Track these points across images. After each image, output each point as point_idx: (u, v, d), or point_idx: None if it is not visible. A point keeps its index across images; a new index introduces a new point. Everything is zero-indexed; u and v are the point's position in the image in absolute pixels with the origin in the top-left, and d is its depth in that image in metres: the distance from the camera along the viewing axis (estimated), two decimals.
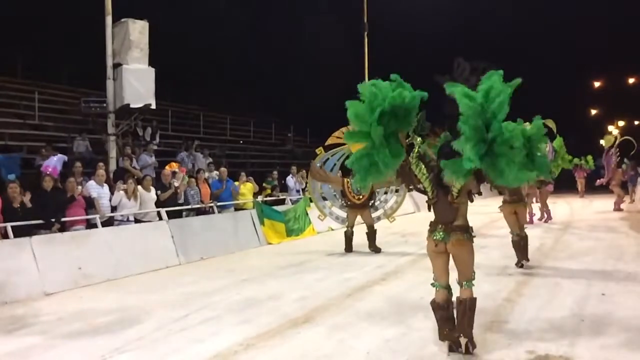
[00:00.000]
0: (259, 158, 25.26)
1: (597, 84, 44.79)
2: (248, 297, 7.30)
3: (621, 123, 45.49)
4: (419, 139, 4.87)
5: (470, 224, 4.91)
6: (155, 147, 18.97)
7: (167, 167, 12.20)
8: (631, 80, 43.17)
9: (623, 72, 42.20)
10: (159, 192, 10.65)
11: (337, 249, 11.55)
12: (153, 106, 12.78)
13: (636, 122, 48.35)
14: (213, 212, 11.88)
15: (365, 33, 24.48)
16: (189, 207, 11.14)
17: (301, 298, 7.19)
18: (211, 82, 30.77)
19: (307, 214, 14.33)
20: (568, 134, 15.57)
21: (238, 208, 12.65)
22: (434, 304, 4.90)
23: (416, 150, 4.85)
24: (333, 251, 11.26)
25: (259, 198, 13.64)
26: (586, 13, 39.04)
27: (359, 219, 11.56)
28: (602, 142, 19.69)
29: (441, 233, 4.75)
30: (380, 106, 4.54)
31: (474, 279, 4.82)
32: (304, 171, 16.84)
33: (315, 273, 8.92)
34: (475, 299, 4.79)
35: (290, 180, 14.88)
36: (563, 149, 14.39)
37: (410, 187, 5.19)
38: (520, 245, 8.88)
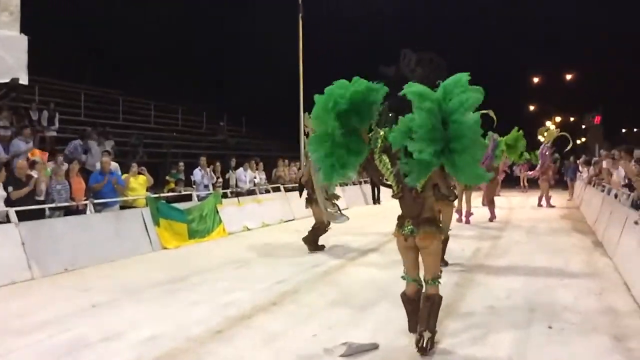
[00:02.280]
0: (185, 148, 22.81)
1: (535, 80, 44.54)
2: (74, 338, 5.14)
3: (558, 119, 45.66)
4: (381, 132, 4.82)
5: None
6: (54, 134, 16.51)
7: (30, 155, 9.79)
8: (568, 77, 43.09)
9: (561, 68, 42.04)
10: (10, 188, 8.27)
11: (246, 253, 9.61)
12: (23, 81, 10.27)
13: (572, 119, 48.77)
14: (92, 212, 9.54)
15: (300, 15, 22.38)
16: (53, 205, 8.78)
17: (150, 338, 5.10)
18: (134, 64, 27.99)
19: (217, 211, 12.21)
20: (509, 128, 14.32)
21: (125, 206, 10.37)
22: (404, 297, 4.88)
23: (379, 144, 4.81)
24: (237, 257, 9.23)
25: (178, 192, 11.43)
26: (526, 10, 38.54)
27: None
28: (540, 137, 18.48)
29: (410, 227, 4.63)
30: (336, 106, 4.62)
31: (440, 276, 4.71)
32: (253, 162, 14.76)
33: (194, 293, 6.84)
34: (441, 297, 4.71)
35: (198, 174, 12.65)
36: (522, 142, 13.03)
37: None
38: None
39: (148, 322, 5.58)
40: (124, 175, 10.62)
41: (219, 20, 31.88)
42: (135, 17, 27.99)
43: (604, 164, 10.87)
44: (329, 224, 9.87)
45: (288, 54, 23.48)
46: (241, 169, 14.22)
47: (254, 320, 5.62)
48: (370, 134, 4.83)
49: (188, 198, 12.13)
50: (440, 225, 4.76)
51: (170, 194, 11.84)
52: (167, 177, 12.14)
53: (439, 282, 4.66)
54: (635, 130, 48.55)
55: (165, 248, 10.35)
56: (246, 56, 31.27)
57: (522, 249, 9.67)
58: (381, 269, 8.06)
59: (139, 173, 10.75)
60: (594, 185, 14.90)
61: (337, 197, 10.00)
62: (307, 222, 14.34)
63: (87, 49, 26.70)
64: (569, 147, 19.50)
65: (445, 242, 7.95)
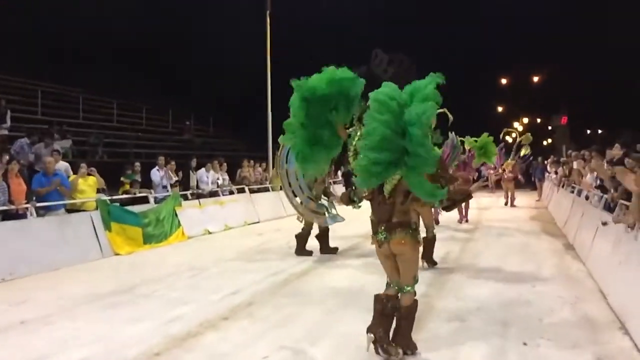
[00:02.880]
0: (149, 148, 21.88)
1: (503, 81, 44.73)
2: None
3: (525, 120, 45.97)
4: (360, 130, 4.49)
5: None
6: (6, 132, 15.52)
7: None
8: (535, 79, 43.37)
9: (528, 69, 42.28)
10: None
11: (203, 260, 8.96)
12: None
13: (539, 120, 49.21)
14: (34, 215, 8.73)
15: (268, 12, 21.73)
16: None
17: None
18: (97, 62, 26.90)
19: (175, 214, 11.51)
20: (478, 130, 13.98)
21: (73, 209, 9.58)
22: (377, 297, 4.49)
23: (354, 142, 4.54)
24: (194, 264, 8.58)
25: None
26: (493, 11, 38.59)
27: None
28: (507, 137, 18.29)
29: (383, 233, 4.29)
30: (305, 97, 4.40)
31: (416, 282, 4.39)
32: (216, 163, 14.02)
33: (138, 307, 6.17)
34: (414, 304, 4.40)
35: (156, 174, 11.90)
36: (493, 148, 12.74)
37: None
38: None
39: (78, 343, 4.89)
40: (72, 177, 9.82)
41: (186, 17, 30.95)
42: (99, 13, 26.93)
43: (575, 164, 10.57)
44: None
45: (256, 53, 22.86)
46: (203, 169, 13.50)
47: (199, 339, 4.99)
48: (350, 130, 4.60)
49: (145, 200, 11.38)
50: (415, 229, 4.35)
51: (125, 196, 11.06)
52: (122, 178, 11.35)
53: (414, 289, 4.37)
54: (600, 131, 49.33)
55: (118, 254, 9.62)
56: (214, 55, 30.34)
57: (493, 252, 9.23)
58: (347, 277, 7.52)
59: (89, 174, 9.97)
60: (563, 186, 14.65)
61: (330, 195, 9.34)
62: (273, 225, 13.84)
63: (47, 45, 25.49)
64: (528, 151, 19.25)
65: (432, 241, 7.95)
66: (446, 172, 6.31)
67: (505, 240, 10.65)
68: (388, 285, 4.51)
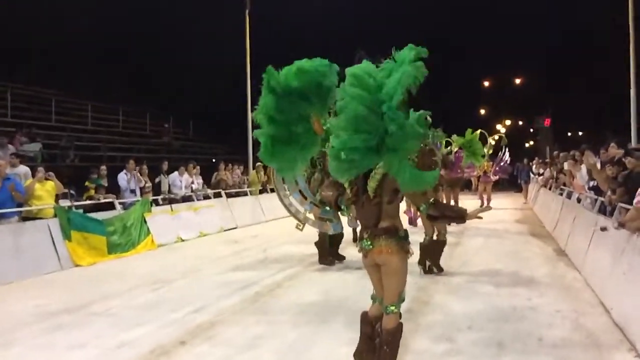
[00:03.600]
0: (126, 151, 20.99)
1: (486, 84, 44.51)
2: None
3: (508, 122, 45.80)
4: None
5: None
6: None
7: None
8: (518, 80, 43.20)
9: (510, 72, 42.07)
10: None
11: (170, 271, 8.24)
12: None
13: (520, 122, 49.08)
14: None
15: (247, 11, 21.02)
16: None
17: None
18: (72, 64, 25.92)
19: (144, 221, 10.73)
20: (462, 132, 13.41)
21: (29, 217, 8.77)
22: (363, 316, 3.91)
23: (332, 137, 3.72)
24: (159, 276, 7.84)
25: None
26: (474, 13, 38.34)
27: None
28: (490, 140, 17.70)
29: (367, 240, 3.62)
30: (274, 87, 3.76)
31: (402, 300, 3.66)
32: (190, 166, 13.25)
33: (86, 329, 5.41)
34: (399, 327, 3.65)
35: (123, 178, 11.11)
36: (478, 145, 12.12)
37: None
38: (429, 250, 7.49)
39: None
40: (28, 181, 9.01)
41: (166, 17, 30.07)
42: (74, 12, 25.98)
43: (566, 165, 10.01)
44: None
45: (236, 55, 22.12)
46: (176, 173, 12.73)
47: None
48: (326, 126, 4.07)
49: (111, 207, 10.58)
50: (404, 236, 3.67)
51: (88, 202, 10.26)
52: (87, 183, 10.53)
53: (398, 309, 3.65)
54: (580, 133, 49.34)
55: (78, 265, 8.85)
56: (195, 56, 29.57)
57: (482, 259, 8.61)
58: (325, 289, 6.81)
59: (46, 178, 9.16)
60: (550, 188, 14.14)
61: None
62: (250, 231, 13.12)
63: (19, 46, 24.48)
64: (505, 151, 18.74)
65: (442, 245, 7.59)
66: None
67: (493, 245, 10.05)
68: (373, 300, 3.87)
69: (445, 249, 8.56)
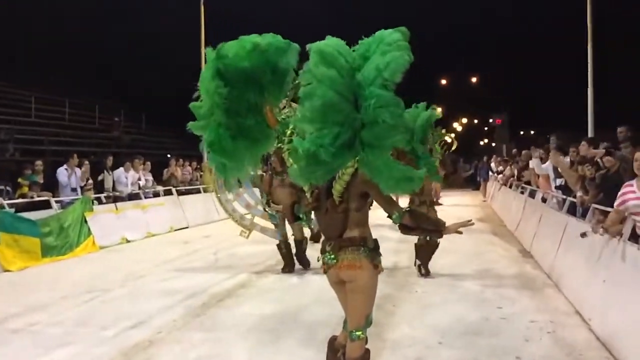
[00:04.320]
0: (73, 145, 19.69)
1: (443, 82, 44.71)
2: None
3: (464, 120, 46.24)
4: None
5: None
6: None
7: None
8: (474, 79, 43.55)
9: (467, 70, 42.39)
10: None
11: (109, 277, 7.44)
12: None
13: (476, 121, 49.65)
14: None
15: (202, 1, 20.06)
16: None
17: None
18: (14, 52, 24.31)
19: (85, 221, 9.80)
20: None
21: None
22: (330, 343, 3.39)
23: (289, 131, 3.25)
24: (95, 283, 7.02)
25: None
26: (431, 11, 38.39)
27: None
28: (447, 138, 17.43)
29: (330, 253, 3.04)
30: (220, 68, 3.08)
31: (369, 324, 3.07)
32: (137, 161, 12.28)
33: (1, 349, 4.62)
34: (365, 356, 3.08)
35: (63, 174, 10.12)
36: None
37: None
38: (421, 250, 7.14)
39: None
40: None
41: (116, 3, 28.64)
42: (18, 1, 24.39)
43: (531, 164, 9.69)
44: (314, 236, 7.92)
45: (192, 46, 21.11)
46: (121, 169, 11.78)
47: None
48: (281, 117, 3.53)
49: (47, 205, 9.60)
50: (374, 248, 3.10)
51: (21, 200, 9.26)
52: (20, 180, 9.51)
53: (364, 335, 3.08)
54: (532, 132, 50.31)
55: (8, 271, 7.94)
56: (148, 46, 28.30)
57: (446, 262, 8.11)
58: (279, 299, 6.16)
59: None
60: (510, 186, 13.89)
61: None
62: (203, 230, 12.31)
63: None
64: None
65: (433, 247, 7.16)
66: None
67: (457, 246, 9.52)
68: (345, 325, 3.30)
69: (407, 252, 8.08)
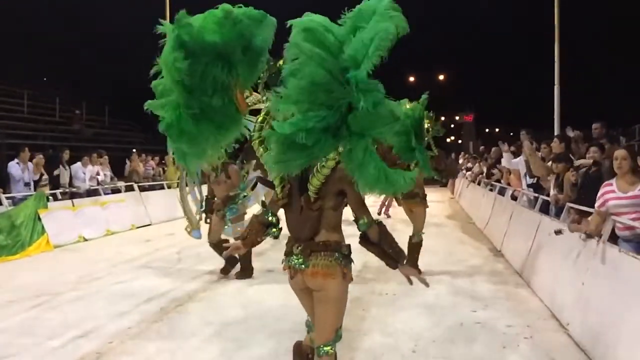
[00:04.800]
0: (31, 139, 18.75)
1: (411, 79, 44.80)
2: None
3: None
4: (269, 97, 2.77)
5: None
6: None
7: None
8: (441, 77, 43.76)
9: (434, 68, 42.57)
10: None
11: (59, 280, 6.90)
12: None
13: (443, 118, 49.99)
14: None
15: None
16: None
17: None
18: None
19: (39, 218, 9.19)
20: None
21: None
22: (296, 348, 3.15)
23: (260, 118, 3.00)
24: (43, 288, 6.49)
25: None
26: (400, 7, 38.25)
27: None
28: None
29: (298, 257, 2.72)
30: (185, 40, 2.69)
31: (339, 338, 2.77)
32: (95, 155, 11.63)
33: None
34: None
35: (16, 168, 9.47)
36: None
37: None
38: (413, 249, 6.69)
39: None
40: None
41: None
42: None
43: (503, 161, 9.51)
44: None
45: (157, 36, 20.30)
46: (79, 163, 11.16)
47: None
48: (249, 99, 3.40)
49: None
50: (347, 255, 2.81)
51: None
52: None
53: (334, 351, 2.78)
54: (497, 130, 50.99)
55: None
56: (112, 36, 27.30)
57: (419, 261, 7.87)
58: (244, 303, 5.77)
59: None
60: (479, 184, 13.79)
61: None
62: (166, 228, 11.77)
63: None
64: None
65: (418, 247, 6.83)
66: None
67: (428, 245, 9.26)
68: (309, 328, 3.06)
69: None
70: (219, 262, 7.08)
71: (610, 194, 4.57)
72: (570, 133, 8.59)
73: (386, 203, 13.33)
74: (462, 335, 4.67)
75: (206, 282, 6.73)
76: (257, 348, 4.35)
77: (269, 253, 8.06)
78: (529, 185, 8.13)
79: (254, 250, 7.45)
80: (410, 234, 6.82)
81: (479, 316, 5.22)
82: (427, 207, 7.08)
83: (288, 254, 2.86)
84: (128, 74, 27.87)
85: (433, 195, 18.29)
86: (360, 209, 2.76)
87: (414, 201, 6.77)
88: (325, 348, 2.76)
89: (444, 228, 11.57)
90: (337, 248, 2.75)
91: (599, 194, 4.66)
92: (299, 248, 2.77)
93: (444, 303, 5.70)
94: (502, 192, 10.31)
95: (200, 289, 6.38)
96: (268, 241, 7.63)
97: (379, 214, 13.37)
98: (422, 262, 7.74)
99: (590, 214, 4.87)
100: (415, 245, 6.81)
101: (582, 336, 4.38)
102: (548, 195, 6.89)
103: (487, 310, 5.41)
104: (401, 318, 5.18)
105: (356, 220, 2.79)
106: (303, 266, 2.74)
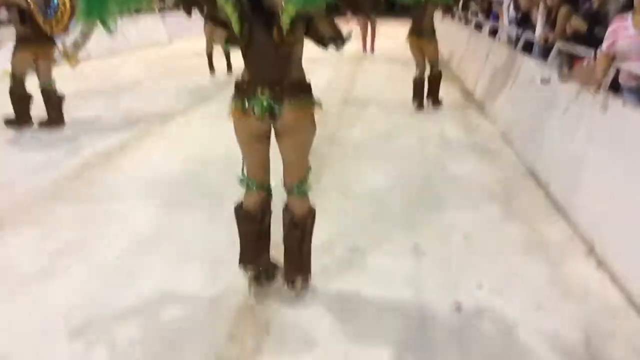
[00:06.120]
0: None
1: None
2: None
3: None
4: None
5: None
6: None
7: None
8: None
9: None
10: None
11: None
12: None
13: None
14: None
15: None
16: None
17: None
18: None
19: None
20: None
21: None
22: (240, 212, 2.67)
23: None
24: None
25: None
26: None
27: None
28: None
29: (266, 100, 2.36)
30: None
31: (309, 175, 2.59)
32: None
33: None
34: (313, 214, 2.66)
35: None
36: None
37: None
38: (434, 82, 6.61)
39: None
40: None
41: None
42: None
43: None
44: None
45: None
46: None
47: None
48: None
49: None
50: (311, 90, 2.49)
51: None
52: None
53: (309, 189, 2.61)
54: None
55: None
56: None
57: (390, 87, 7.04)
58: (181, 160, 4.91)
59: None
60: (452, 17, 12.34)
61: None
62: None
63: None
64: None
65: (439, 78, 6.67)
66: None
67: (392, 86, 8.39)
68: (248, 186, 2.63)
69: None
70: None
71: (623, 31, 3.62)
72: None
73: (367, 38, 12.40)
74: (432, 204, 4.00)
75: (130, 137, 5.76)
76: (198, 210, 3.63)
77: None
78: (510, 21, 7.03)
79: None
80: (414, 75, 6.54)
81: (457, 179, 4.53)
82: (437, 43, 6.42)
83: (245, 98, 2.41)
84: None
85: (403, 29, 16.86)
86: (326, 25, 2.34)
87: (422, 39, 6.15)
88: (302, 187, 2.56)
89: (411, 65, 10.45)
90: (307, 88, 2.45)
91: (608, 30, 3.71)
92: (267, 91, 2.36)
93: (413, 158, 5.01)
94: (478, 26, 9.16)
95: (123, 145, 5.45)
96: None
97: (364, 50, 12.37)
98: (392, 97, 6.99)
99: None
100: (437, 76, 6.52)
101: (586, 225, 3.67)
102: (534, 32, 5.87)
103: (468, 165, 4.80)
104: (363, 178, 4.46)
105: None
106: (278, 109, 2.37)
